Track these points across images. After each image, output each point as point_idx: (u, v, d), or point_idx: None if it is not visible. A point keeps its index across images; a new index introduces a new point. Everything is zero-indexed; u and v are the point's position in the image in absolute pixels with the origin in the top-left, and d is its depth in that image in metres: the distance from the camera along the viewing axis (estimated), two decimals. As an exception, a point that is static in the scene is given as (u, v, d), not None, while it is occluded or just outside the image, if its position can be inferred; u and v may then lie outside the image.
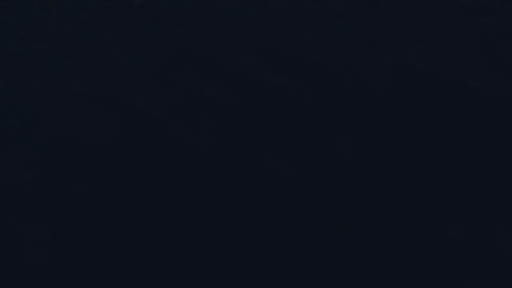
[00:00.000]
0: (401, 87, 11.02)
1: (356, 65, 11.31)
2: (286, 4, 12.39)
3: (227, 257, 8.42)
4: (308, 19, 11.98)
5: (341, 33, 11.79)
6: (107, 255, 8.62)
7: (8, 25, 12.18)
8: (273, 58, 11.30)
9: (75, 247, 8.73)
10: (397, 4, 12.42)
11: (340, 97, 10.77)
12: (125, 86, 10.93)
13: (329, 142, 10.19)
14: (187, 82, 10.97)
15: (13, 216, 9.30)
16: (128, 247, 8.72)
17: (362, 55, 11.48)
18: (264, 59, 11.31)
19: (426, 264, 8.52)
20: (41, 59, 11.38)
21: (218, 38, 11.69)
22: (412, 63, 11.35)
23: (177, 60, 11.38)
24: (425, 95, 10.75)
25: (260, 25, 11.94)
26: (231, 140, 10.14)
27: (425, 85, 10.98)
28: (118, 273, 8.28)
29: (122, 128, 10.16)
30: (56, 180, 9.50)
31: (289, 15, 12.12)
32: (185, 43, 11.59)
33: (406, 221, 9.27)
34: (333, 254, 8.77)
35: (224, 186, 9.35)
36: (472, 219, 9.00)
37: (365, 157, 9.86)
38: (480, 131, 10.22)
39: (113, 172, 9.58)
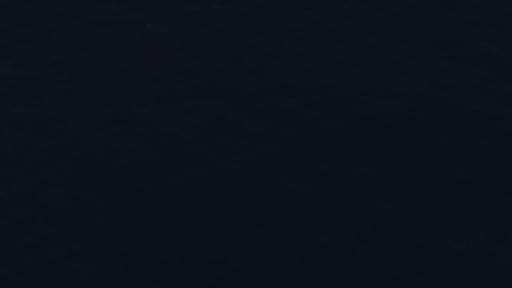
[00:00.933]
0: (410, 110, 11.23)
1: (368, 90, 11.47)
2: (301, 35, 12.43)
3: (253, 271, 8.69)
4: (321, 49, 12.08)
5: (353, 62, 11.95)
6: (140, 267, 8.84)
7: (44, 53, 12.28)
8: (289, 85, 11.52)
9: (109, 260, 8.95)
10: (405, 35, 12.56)
11: (352, 121, 10.91)
12: (153, 110, 11.05)
13: (343, 165, 10.40)
14: (209, 106, 11.09)
15: (52, 230, 9.43)
16: (159, 261, 8.98)
17: (374, 81, 11.62)
18: (281, 85, 11.51)
19: (435, 276, 8.87)
20: (76, 83, 11.47)
21: (238, 65, 11.81)
22: (419, 88, 11.54)
23: (201, 86, 11.39)
24: (432, 118, 10.98)
25: (277, 54, 12.10)
26: (252, 160, 10.28)
27: (432, 108, 11.23)
28: (149, 285, 8.55)
29: (150, 149, 10.33)
30: (91, 197, 9.77)
31: (303, 45, 12.21)
32: (208, 69, 11.67)
33: (415, 237, 9.55)
34: (348, 268, 9.08)
35: (248, 205, 9.62)
36: (476, 235, 9.35)
37: (377, 178, 10.18)
38: (483, 151, 10.44)
39: (143, 190, 9.79)
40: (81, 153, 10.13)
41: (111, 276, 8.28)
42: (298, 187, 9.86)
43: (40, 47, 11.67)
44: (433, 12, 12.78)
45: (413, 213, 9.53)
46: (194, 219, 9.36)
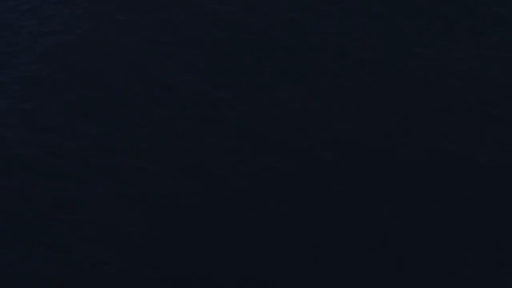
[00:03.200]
0: (425, 160, 11.46)
1: (393, 144, 11.76)
2: (336, 96, 12.72)
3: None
4: (353, 109, 12.46)
5: (381, 119, 12.31)
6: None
7: (122, 114, 12.84)
8: (328, 140, 11.83)
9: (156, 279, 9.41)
10: (418, 95, 12.73)
11: (383, 171, 11.22)
12: (214, 161, 11.43)
13: (377, 212, 10.49)
14: (261, 157, 11.54)
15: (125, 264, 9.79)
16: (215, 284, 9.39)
17: (397, 136, 11.93)
18: (320, 140, 11.85)
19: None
20: (149, 140, 11.86)
21: (285, 124, 12.20)
22: (432, 141, 11.83)
23: (255, 140, 11.89)
24: (445, 169, 11.24)
25: (318, 113, 12.37)
26: (298, 204, 10.54)
27: (444, 159, 11.46)
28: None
29: (212, 193, 10.68)
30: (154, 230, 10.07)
31: (337, 104, 12.53)
32: (259, 126, 12.12)
33: (424, 260, 9.79)
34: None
35: (297, 244, 9.84)
36: (483, 259, 9.61)
37: (404, 221, 10.33)
38: (488, 199, 10.68)
39: (203, 229, 10.11)
40: (153, 203, 10.52)
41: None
42: (325, 230, 10.18)
43: (119, 109, 12.23)
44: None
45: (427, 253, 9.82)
46: (248, 254, 9.76)
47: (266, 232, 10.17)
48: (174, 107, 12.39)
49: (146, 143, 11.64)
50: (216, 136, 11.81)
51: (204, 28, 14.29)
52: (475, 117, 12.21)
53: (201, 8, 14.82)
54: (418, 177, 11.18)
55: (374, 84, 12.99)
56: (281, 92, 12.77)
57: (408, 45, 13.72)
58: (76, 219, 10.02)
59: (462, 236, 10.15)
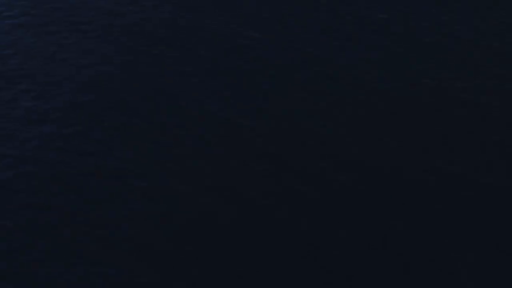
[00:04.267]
0: (431, 179, 11.74)
1: (402, 166, 12.05)
2: (351, 123, 13.12)
3: None
4: (367, 135, 12.83)
5: (391, 143, 12.61)
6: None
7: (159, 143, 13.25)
8: (343, 164, 12.18)
9: None
10: (425, 121, 13.15)
11: (393, 189, 11.52)
12: (240, 182, 11.65)
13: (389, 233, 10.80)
14: (282, 178, 11.78)
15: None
16: None
17: (406, 158, 12.25)
18: (335, 163, 12.23)
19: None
20: (180, 163, 12.18)
21: (304, 148, 12.53)
22: (439, 165, 12.12)
23: (276, 163, 12.17)
24: (449, 187, 11.53)
25: (334, 138, 12.74)
26: (317, 223, 10.83)
27: (450, 182, 11.72)
28: None
29: (238, 211, 10.98)
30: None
31: (352, 130, 12.90)
32: (280, 151, 12.44)
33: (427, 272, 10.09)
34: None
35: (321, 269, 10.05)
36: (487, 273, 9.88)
37: (416, 238, 10.56)
38: (492, 220, 10.86)
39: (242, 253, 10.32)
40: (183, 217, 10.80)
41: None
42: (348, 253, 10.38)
43: (152, 134, 12.46)
44: None
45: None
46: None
47: (288, 248, 10.35)
48: (203, 133, 12.74)
49: (178, 166, 11.92)
50: (241, 159, 12.10)
51: (231, 61, 14.81)
52: (477, 142, 12.59)
53: (228, 42, 15.46)
54: (424, 194, 11.48)
55: (386, 111, 13.45)
56: (301, 119, 13.18)
57: (416, 77, 14.29)
58: (111, 235, 10.33)
59: (462, 240, 10.34)
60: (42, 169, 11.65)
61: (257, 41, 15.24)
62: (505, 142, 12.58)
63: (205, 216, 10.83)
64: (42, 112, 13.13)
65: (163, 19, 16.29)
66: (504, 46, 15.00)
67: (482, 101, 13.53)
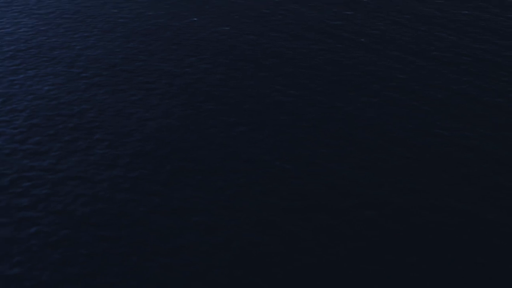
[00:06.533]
0: (443, 217, 12.34)
1: (419, 204, 12.61)
2: (373, 167, 13.96)
3: None
4: (387, 178, 13.45)
5: (408, 185, 13.24)
6: None
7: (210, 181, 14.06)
8: (367, 202, 12.70)
9: None
10: (438, 166, 13.88)
11: (411, 226, 12.05)
12: (281, 218, 12.39)
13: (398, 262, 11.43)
14: (315, 215, 12.30)
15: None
16: None
17: (422, 198, 12.87)
18: (361, 202, 12.75)
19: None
20: (230, 200, 12.92)
21: (334, 189, 13.13)
22: (448, 202, 12.73)
23: (307, 203, 12.79)
24: (460, 224, 12.19)
25: (359, 180, 13.45)
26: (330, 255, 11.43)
27: (459, 217, 12.36)
28: None
29: (279, 242, 11.59)
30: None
31: (375, 174, 13.54)
32: (313, 191, 12.94)
33: None
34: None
35: None
36: None
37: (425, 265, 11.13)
38: (498, 255, 11.39)
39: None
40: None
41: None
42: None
43: (206, 176, 13.17)
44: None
45: None
46: None
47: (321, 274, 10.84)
48: (248, 175, 13.61)
49: (228, 202, 12.73)
50: (281, 198, 12.85)
51: (272, 113, 15.85)
52: (485, 183, 13.34)
53: (269, 98, 16.58)
54: (438, 229, 12.14)
55: (403, 157, 14.27)
56: (332, 164, 14.02)
57: (429, 127, 15.30)
58: (174, 263, 11.03)
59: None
60: (113, 207, 12.49)
61: (294, 99, 16.24)
62: (506, 183, 13.14)
63: (251, 246, 11.38)
64: (113, 158, 14.17)
65: (215, 80, 17.39)
66: (505, 101, 15.98)
67: (487, 147, 14.22)
